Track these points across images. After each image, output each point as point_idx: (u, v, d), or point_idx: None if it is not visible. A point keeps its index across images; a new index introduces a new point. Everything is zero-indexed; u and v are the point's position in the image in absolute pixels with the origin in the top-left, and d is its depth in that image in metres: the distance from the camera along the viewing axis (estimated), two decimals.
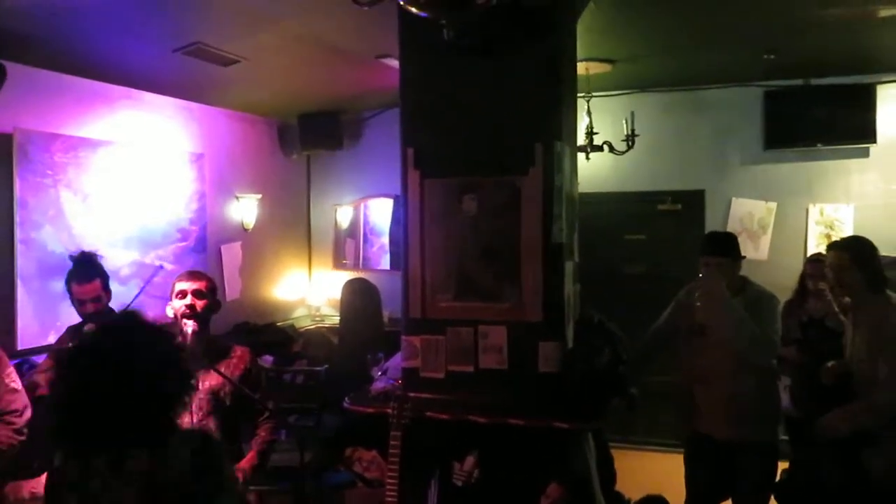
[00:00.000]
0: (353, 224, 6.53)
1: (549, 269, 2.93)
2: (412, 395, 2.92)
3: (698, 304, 3.18)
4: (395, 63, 4.41)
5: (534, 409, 2.80)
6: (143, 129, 4.76)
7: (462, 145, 3.02)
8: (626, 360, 3.10)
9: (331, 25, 3.93)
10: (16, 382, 2.73)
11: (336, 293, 6.23)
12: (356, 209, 6.48)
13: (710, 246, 3.26)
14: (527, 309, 2.92)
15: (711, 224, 5.31)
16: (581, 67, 4.30)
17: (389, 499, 2.74)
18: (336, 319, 6.13)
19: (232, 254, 5.39)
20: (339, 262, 6.47)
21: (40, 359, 3.47)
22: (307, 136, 5.91)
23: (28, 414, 2.70)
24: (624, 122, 4.86)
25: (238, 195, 5.65)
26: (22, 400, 2.71)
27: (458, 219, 3.03)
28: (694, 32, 4.18)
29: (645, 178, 5.51)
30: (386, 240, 6.50)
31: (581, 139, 4.62)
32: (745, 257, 3.30)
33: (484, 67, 2.98)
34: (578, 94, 3.98)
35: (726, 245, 3.26)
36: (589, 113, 4.89)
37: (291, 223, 6.33)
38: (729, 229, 4.96)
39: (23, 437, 2.64)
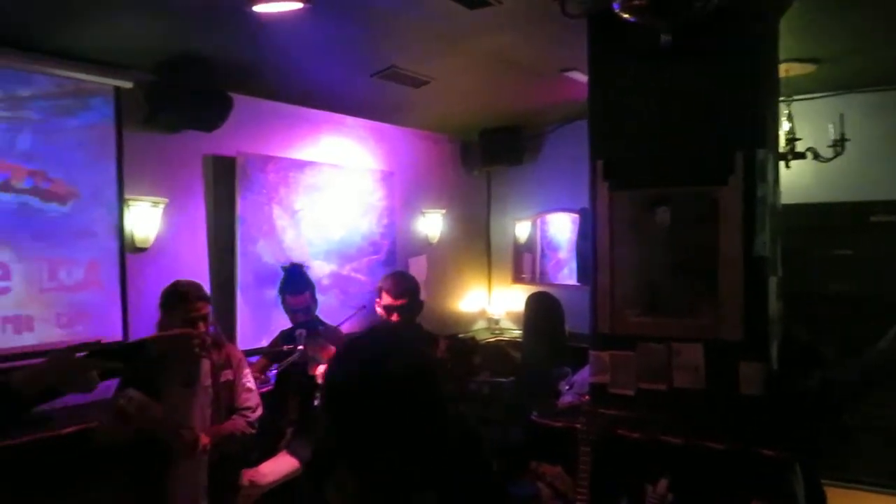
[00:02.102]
0: (531, 238, 6.57)
1: (750, 285, 2.76)
2: (601, 411, 2.88)
3: None
4: (579, 76, 4.41)
5: (734, 434, 2.64)
6: (342, 151, 5.14)
7: (655, 155, 2.95)
8: (838, 386, 2.83)
9: (517, 42, 4.00)
10: (251, 382, 3.07)
11: (514, 306, 6.31)
12: (534, 224, 6.52)
13: None
14: (725, 326, 2.77)
15: None
16: (781, 69, 4.02)
17: None
18: (515, 332, 6.19)
19: (419, 266, 5.64)
20: (517, 276, 6.53)
21: (255, 359, 3.84)
22: (488, 152, 6.03)
23: (259, 412, 3.02)
24: (831, 126, 4.46)
25: (424, 210, 5.91)
26: (255, 399, 3.04)
27: (650, 231, 2.95)
28: None
29: (853, 186, 5.00)
30: (563, 254, 6.47)
31: (781, 145, 4.30)
32: None
33: (680, 73, 2.89)
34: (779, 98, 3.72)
35: None
36: (790, 118, 4.54)
37: (472, 237, 6.50)
38: None
39: (254, 431, 2.95)
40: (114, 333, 3.77)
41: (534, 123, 5.99)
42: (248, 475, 3.22)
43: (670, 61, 2.87)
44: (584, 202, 3.29)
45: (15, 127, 3.43)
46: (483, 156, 6.06)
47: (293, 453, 3.44)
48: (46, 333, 3.52)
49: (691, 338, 2.85)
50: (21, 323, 3.44)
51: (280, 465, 3.40)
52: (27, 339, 3.45)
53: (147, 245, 3.95)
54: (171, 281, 3.03)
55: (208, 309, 2.91)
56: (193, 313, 2.82)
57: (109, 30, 3.38)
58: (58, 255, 3.58)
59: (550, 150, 6.16)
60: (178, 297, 2.85)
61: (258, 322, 4.29)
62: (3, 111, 3.38)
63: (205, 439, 2.73)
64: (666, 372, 2.88)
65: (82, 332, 3.65)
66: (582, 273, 5.87)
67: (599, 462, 2.76)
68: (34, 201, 3.50)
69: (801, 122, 4.62)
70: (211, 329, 3.01)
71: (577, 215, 5.98)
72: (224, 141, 4.27)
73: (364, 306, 3.97)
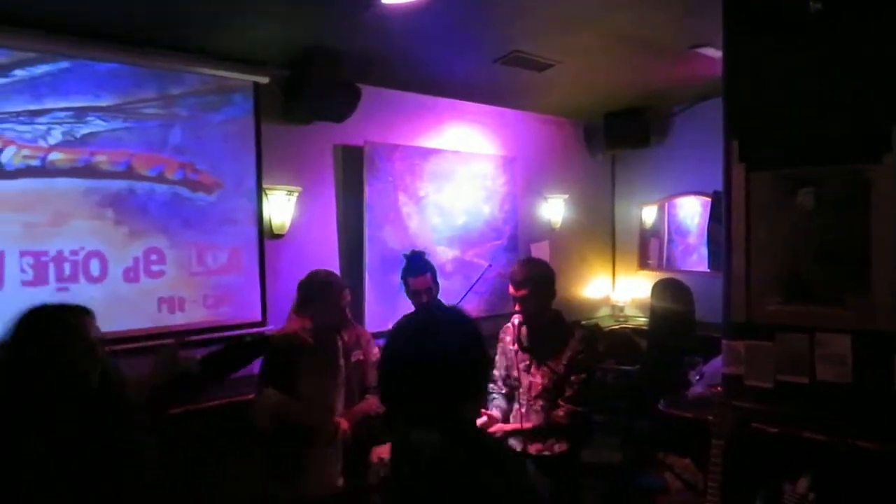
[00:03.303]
0: (658, 223, 6.36)
1: None
2: (735, 403, 2.74)
3: None
4: (712, 52, 4.20)
5: (889, 432, 2.44)
6: (465, 137, 5.19)
7: (798, 133, 2.75)
8: None
9: (644, 20, 3.87)
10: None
11: (639, 293, 6.13)
12: (661, 208, 6.30)
13: None
14: (879, 317, 2.55)
15: None
16: None
17: None
18: (640, 320, 6.02)
19: (541, 252, 5.60)
20: (643, 262, 6.34)
21: (381, 342, 3.98)
22: (613, 135, 5.88)
23: None
24: None
25: (546, 196, 5.85)
26: None
27: (791, 215, 2.76)
28: None
29: None
30: (692, 240, 6.21)
31: None
32: None
33: (829, 43, 2.67)
34: None
35: None
36: None
37: (596, 222, 6.37)
38: None
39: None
40: (253, 315, 4.04)
41: (661, 104, 5.77)
42: (378, 452, 3.34)
43: (819, 30, 2.66)
44: (717, 184, 3.13)
45: (167, 123, 3.73)
46: (607, 139, 5.91)
47: None
48: (195, 314, 3.82)
49: (837, 328, 2.64)
50: (174, 304, 3.75)
51: None
52: (179, 319, 3.77)
53: (283, 232, 4.18)
54: (307, 268, 3.12)
55: (349, 297, 3.00)
56: (343, 302, 2.93)
57: (248, 29, 3.59)
58: (204, 241, 3.87)
59: (679, 131, 5.92)
60: (325, 287, 2.93)
61: (384, 306, 4.43)
62: (157, 109, 3.69)
63: (344, 425, 2.85)
64: (808, 364, 2.70)
65: (226, 314, 3.93)
66: (713, 259, 5.61)
67: (733, 455, 2.64)
68: (184, 191, 3.80)
69: None
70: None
71: (708, 199, 5.71)
72: (352, 131, 4.43)
73: (490, 265, 4.04)
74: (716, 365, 3.14)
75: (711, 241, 5.67)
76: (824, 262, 2.70)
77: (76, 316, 2.03)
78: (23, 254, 3.27)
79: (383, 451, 3.20)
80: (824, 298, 2.69)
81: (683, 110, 5.81)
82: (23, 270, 3.27)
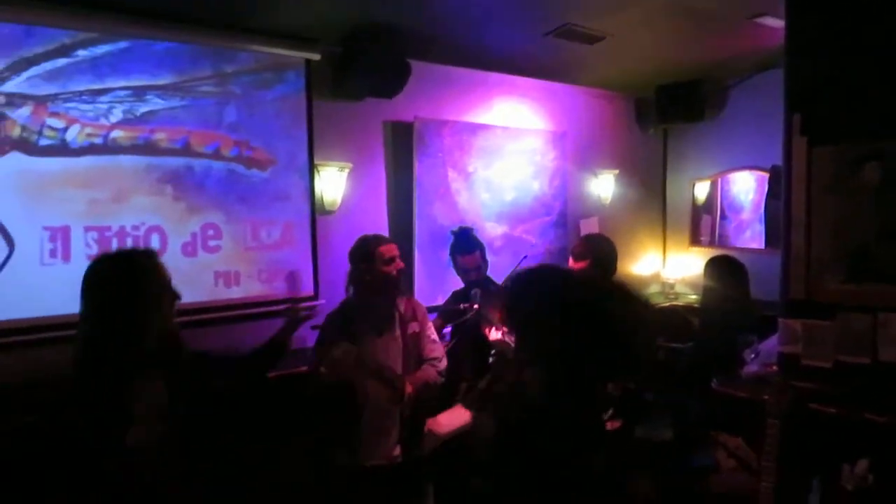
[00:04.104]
0: (710, 199, 6.22)
1: None
2: (791, 383, 2.69)
3: None
4: (773, 21, 4.06)
5: None
6: (514, 112, 5.14)
7: (863, 106, 2.65)
8: None
9: None
10: (434, 335, 3.20)
11: (690, 271, 6.03)
12: (714, 184, 6.15)
13: None
14: None
15: None
16: None
17: (765, 491, 2.58)
18: (690, 297, 5.93)
19: (590, 228, 5.54)
20: (695, 239, 6.22)
21: (432, 317, 4.01)
22: (665, 109, 5.75)
23: (445, 362, 3.13)
24: None
25: (596, 171, 5.78)
26: (441, 349, 3.16)
27: (855, 190, 2.67)
28: None
29: None
30: (746, 216, 6.05)
31: None
32: None
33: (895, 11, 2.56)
34: None
35: None
36: None
37: (646, 198, 6.26)
38: None
39: (443, 380, 3.08)
40: (307, 290, 4.11)
41: (716, 76, 5.61)
42: (429, 423, 3.38)
43: None
44: (775, 159, 3.06)
45: (222, 101, 3.80)
46: (659, 113, 5.79)
47: (468, 407, 3.57)
48: (250, 288, 3.92)
49: None
50: (230, 278, 3.85)
51: (456, 418, 3.53)
52: (235, 293, 3.87)
53: (335, 208, 4.24)
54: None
55: (395, 257, 3.01)
56: (388, 255, 2.96)
57: (301, 6, 3.62)
58: (259, 217, 3.95)
59: (735, 104, 5.75)
60: (376, 244, 2.99)
61: (434, 281, 4.46)
62: (213, 87, 3.76)
63: (409, 388, 2.88)
64: (870, 344, 2.63)
65: (280, 288, 4.01)
66: (770, 236, 5.47)
67: (788, 436, 2.60)
68: (239, 168, 3.88)
69: None
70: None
71: (763, 174, 5.56)
72: (402, 107, 4.44)
73: (526, 256, 4.04)
74: (771, 344, 3.07)
75: (769, 217, 5.53)
76: (889, 240, 2.61)
77: (150, 257, 2.13)
78: (87, 229, 3.40)
79: (434, 424, 3.23)
80: (889, 277, 2.61)
81: (740, 82, 5.64)
82: (87, 245, 3.40)
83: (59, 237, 3.32)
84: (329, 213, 4.24)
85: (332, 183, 4.20)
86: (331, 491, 2.93)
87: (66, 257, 3.33)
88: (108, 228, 3.45)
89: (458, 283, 3.98)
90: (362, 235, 3.11)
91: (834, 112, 2.71)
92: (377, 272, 2.92)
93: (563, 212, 5.40)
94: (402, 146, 4.50)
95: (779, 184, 3.11)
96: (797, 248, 2.82)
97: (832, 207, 2.72)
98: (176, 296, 2.14)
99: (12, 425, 2.72)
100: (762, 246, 5.66)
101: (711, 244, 6.07)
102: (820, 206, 2.76)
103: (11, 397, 2.88)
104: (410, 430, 2.96)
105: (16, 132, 3.21)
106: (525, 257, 4.12)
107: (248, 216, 3.91)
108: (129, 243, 3.49)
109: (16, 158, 3.21)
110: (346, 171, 4.26)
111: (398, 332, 3.01)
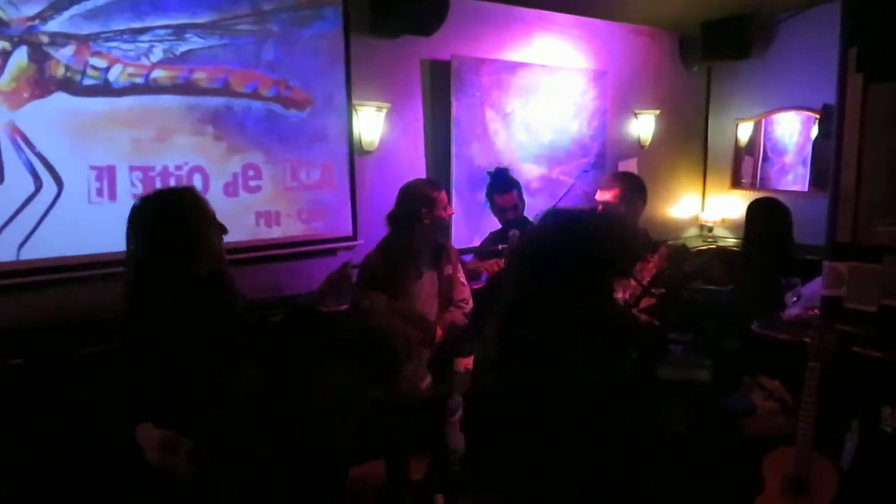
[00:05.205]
0: (753, 140, 6.05)
1: None
2: (835, 325, 2.67)
3: None
4: None
5: None
6: (554, 50, 5.02)
7: None
8: None
9: None
10: (463, 277, 3.25)
11: (731, 213, 5.93)
12: (758, 125, 5.97)
13: None
14: None
15: None
16: None
17: (803, 433, 2.59)
18: (730, 241, 5.85)
19: (628, 170, 5.45)
20: (736, 181, 6.09)
21: (468, 258, 4.03)
22: (710, 46, 5.54)
23: (471, 304, 3.19)
24: None
25: (636, 111, 5.65)
26: (468, 292, 3.22)
27: None
28: None
29: None
30: (789, 158, 5.89)
31: None
32: None
33: None
34: None
35: None
36: None
37: (687, 139, 6.12)
38: None
39: (468, 322, 3.14)
40: (345, 230, 4.16)
41: (765, 11, 5.37)
42: (463, 363, 3.45)
43: None
44: (826, 98, 2.96)
45: (260, 39, 3.77)
46: (704, 50, 5.59)
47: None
48: (291, 227, 3.97)
49: None
50: (271, 218, 3.91)
51: None
52: (275, 233, 3.93)
53: (373, 148, 4.23)
54: (396, 185, 3.14)
55: (443, 203, 3.05)
56: (445, 200, 3.05)
57: None
58: (298, 157, 3.97)
59: (785, 41, 5.52)
60: (435, 189, 3.05)
61: (471, 223, 4.47)
62: (251, 25, 3.74)
63: (439, 331, 2.98)
64: None
65: (319, 228, 4.06)
66: (816, 178, 5.33)
67: (829, 379, 2.59)
68: (278, 108, 3.88)
69: None
70: None
71: (810, 114, 5.38)
72: (440, 45, 4.36)
73: (576, 182, 4.04)
74: (814, 287, 3.04)
75: (817, 158, 5.37)
76: None
77: (195, 194, 2.20)
78: (132, 168, 3.45)
79: (469, 363, 3.30)
80: None
81: (790, 17, 5.40)
82: (133, 184, 3.46)
83: (105, 176, 3.38)
84: (367, 153, 4.24)
85: (370, 123, 4.19)
86: (364, 421, 3.05)
87: (112, 196, 3.40)
88: (152, 168, 3.51)
89: (494, 225, 3.99)
90: (416, 179, 3.18)
91: (892, 47, 2.59)
92: (436, 216, 3.00)
93: (602, 153, 5.32)
94: (439, 85, 4.44)
95: (830, 123, 3.02)
96: (846, 189, 2.75)
97: (888, 148, 2.64)
98: (223, 229, 2.20)
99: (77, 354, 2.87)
100: (805, 189, 5.52)
101: (753, 187, 5.94)
102: (874, 146, 2.67)
103: (74, 330, 2.99)
104: (439, 367, 3.04)
105: (60, 72, 3.25)
106: (575, 183, 4.05)
107: (287, 156, 3.93)
108: (172, 183, 3.55)
109: (61, 98, 3.25)
110: (384, 110, 4.23)
111: (436, 274, 3.06)
